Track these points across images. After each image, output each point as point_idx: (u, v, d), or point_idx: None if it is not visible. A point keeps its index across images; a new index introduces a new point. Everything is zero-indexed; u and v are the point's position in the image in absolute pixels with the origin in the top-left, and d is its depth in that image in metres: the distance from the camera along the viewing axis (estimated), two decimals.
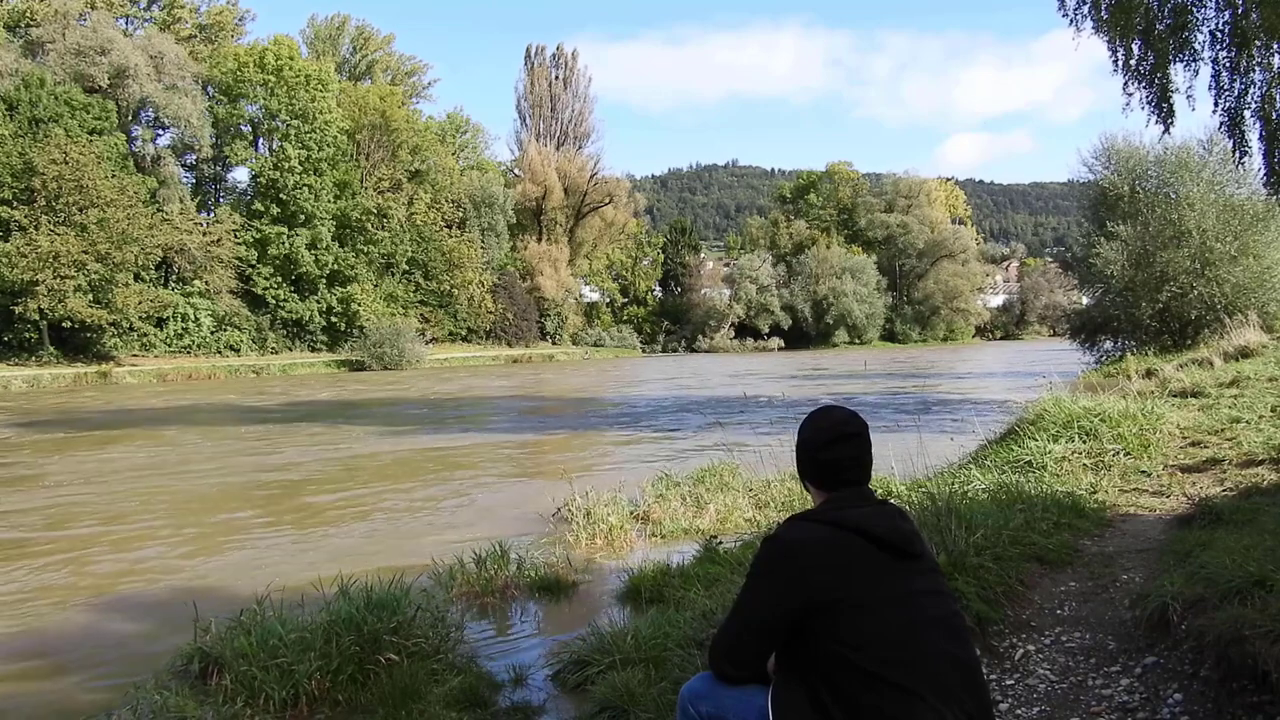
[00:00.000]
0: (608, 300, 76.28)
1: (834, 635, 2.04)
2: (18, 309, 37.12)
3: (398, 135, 56.65)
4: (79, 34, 44.79)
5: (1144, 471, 7.02)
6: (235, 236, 48.14)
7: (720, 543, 6.15)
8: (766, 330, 74.07)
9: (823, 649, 2.06)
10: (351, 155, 54.69)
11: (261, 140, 52.94)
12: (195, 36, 55.45)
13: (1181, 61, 7.60)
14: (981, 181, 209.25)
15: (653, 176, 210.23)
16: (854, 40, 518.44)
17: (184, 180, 50.68)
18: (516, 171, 70.65)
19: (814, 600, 2.06)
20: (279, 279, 50.07)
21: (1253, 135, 7.79)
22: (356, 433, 18.32)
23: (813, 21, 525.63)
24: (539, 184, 66.63)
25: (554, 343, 65.04)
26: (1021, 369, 30.10)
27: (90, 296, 38.32)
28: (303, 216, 50.50)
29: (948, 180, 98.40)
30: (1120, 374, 13.67)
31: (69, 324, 38.22)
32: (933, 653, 2.05)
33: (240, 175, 53.51)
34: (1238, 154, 8.10)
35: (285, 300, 50.31)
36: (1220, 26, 7.42)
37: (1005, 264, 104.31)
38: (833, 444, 2.26)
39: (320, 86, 51.72)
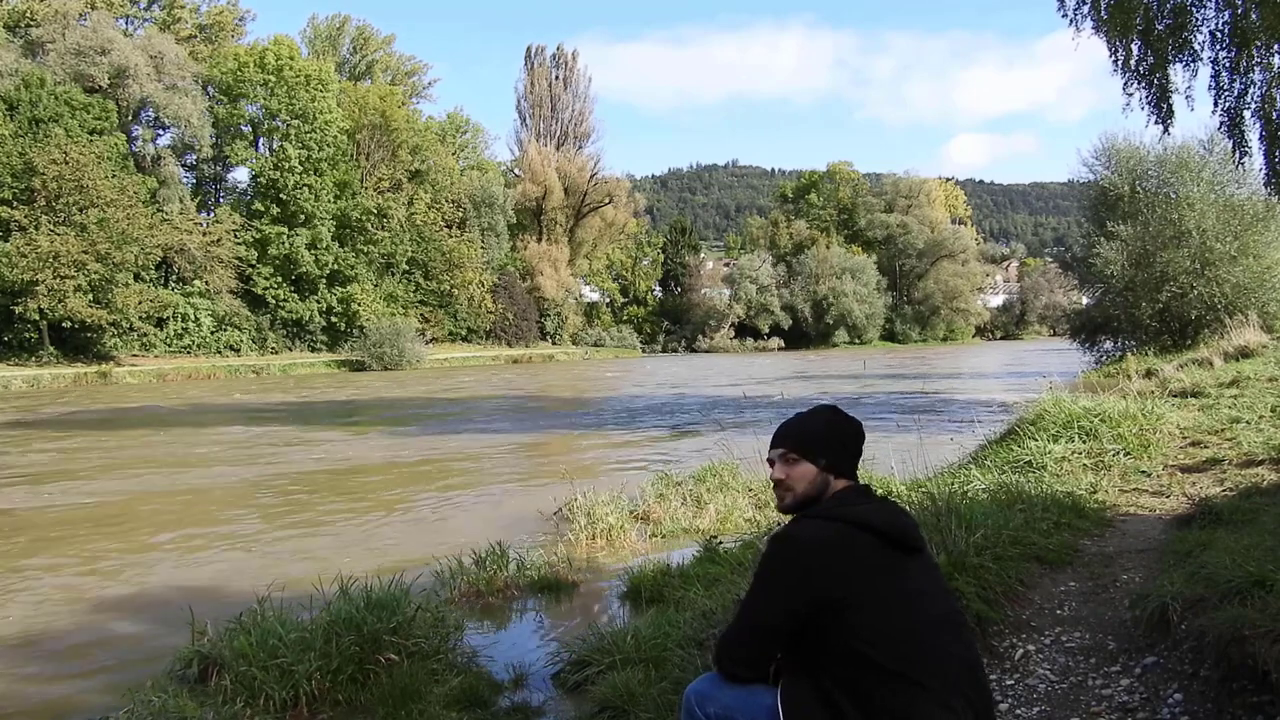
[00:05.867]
0: (608, 300, 76.29)
1: (843, 632, 2.05)
2: (18, 309, 37.12)
3: (398, 135, 56.64)
4: (79, 34, 44.80)
5: (1144, 471, 7.01)
6: (235, 236, 48.12)
7: (720, 543, 6.15)
8: (766, 330, 74.09)
9: (832, 646, 2.06)
10: (351, 155, 54.69)
11: (261, 140, 52.93)
12: (195, 36, 55.45)
13: (1181, 62, 7.59)
14: (982, 181, 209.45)
15: (653, 176, 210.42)
16: (858, 41, 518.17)
17: (184, 180, 50.68)
18: (516, 171, 70.65)
19: (823, 598, 2.07)
20: (279, 279, 50.06)
21: (1253, 135, 7.77)
22: (356, 433, 18.32)
23: (816, 22, 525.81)
24: (539, 184, 66.63)
25: (554, 343, 65.04)
26: (1021, 369, 30.09)
27: (90, 296, 38.30)
28: (303, 216, 50.49)
29: (948, 180, 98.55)
30: (1120, 374, 13.66)
31: (69, 324, 38.21)
32: (940, 649, 2.07)
33: (240, 175, 53.63)
34: (1238, 154, 8.08)
35: (285, 300, 50.30)
36: (1220, 26, 7.41)
37: (1005, 264, 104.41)
38: (860, 434, 2.37)
39: (320, 86, 51.71)
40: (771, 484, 2.39)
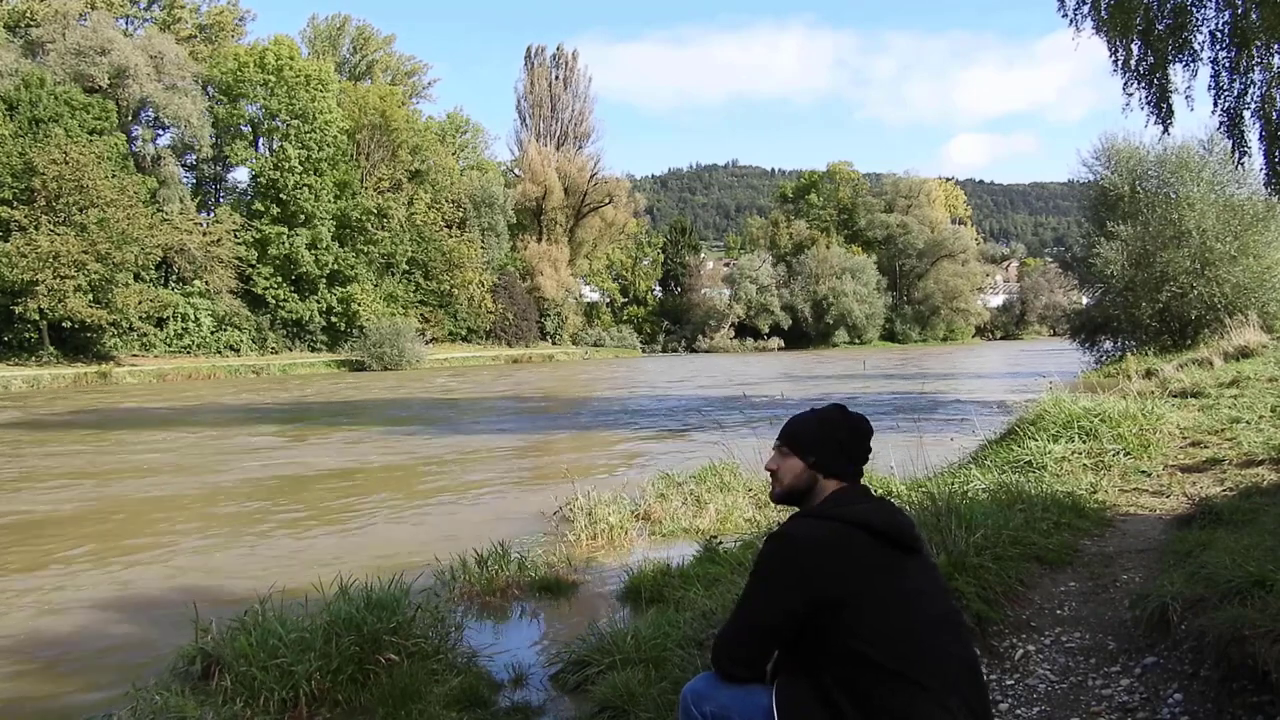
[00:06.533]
0: (608, 300, 76.26)
1: (840, 631, 2.05)
2: (18, 309, 37.10)
3: (398, 135, 56.62)
4: (79, 34, 44.78)
5: (1144, 471, 7.01)
6: (235, 236, 48.10)
7: (720, 543, 6.14)
8: (766, 330, 74.06)
9: (831, 645, 2.07)
10: (351, 155, 54.67)
11: (261, 140, 52.91)
12: (195, 36, 55.44)
13: (1181, 62, 7.59)
14: (982, 181, 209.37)
15: (653, 176, 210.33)
16: (858, 41, 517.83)
17: (184, 180, 50.65)
18: (516, 171, 70.63)
19: (820, 597, 2.07)
20: (279, 279, 50.04)
21: (1252, 135, 7.78)
22: (356, 433, 18.32)
23: (817, 22, 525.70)
24: (539, 184, 66.61)
25: (554, 343, 65.02)
26: (1021, 369, 30.09)
27: (90, 296, 38.28)
28: (303, 216, 50.48)
29: (948, 180, 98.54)
30: (1120, 374, 13.67)
31: (69, 324, 38.19)
32: (938, 648, 2.07)
33: (240, 175, 53.58)
34: (1237, 154, 8.08)
35: (285, 300, 50.29)
36: (1220, 26, 7.42)
37: (1005, 264, 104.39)
38: (861, 436, 2.35)
39: (320, 86, 51.69)
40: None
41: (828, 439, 2.32)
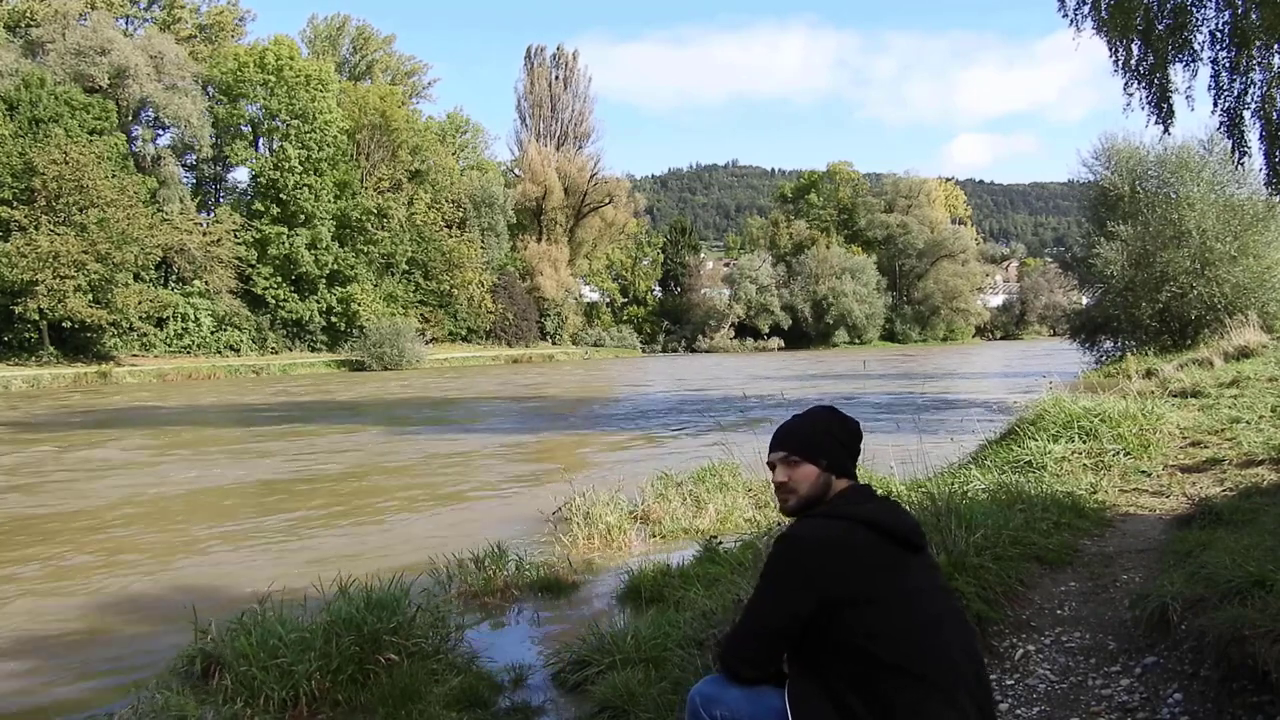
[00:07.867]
0: (608, 300, 76.28)
1: (850, 630, 2.06)
2: (18, 309, 37.13)
3: (398, 135, 56.64)
4: (79, 34, 44.82)
5: (1144, 471, 7.01)
6: (235, 236, 48.14)
7: (720, 543, 6.14)
8: (766, 330, 74.09)
9: (840, 644, 2.07)
10: (351, 155, 54.68)
11: (261, 140, 52.93)
12: (195, 36, 55.47)
13: (1181, 62, 7.59)
14: (982, 181, 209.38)
15: (653, 176, 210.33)
16: (860, 41, 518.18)
17: (184, 180, 50.69)
18: (516, 171, 70.66)
19: (829, 597, 2.07)
20: (279, 279, 50.06)
21: (1252, 135, 7.77)
22: (356, 433, 18.32)
23: (818, 22, 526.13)
24: (539, 184, 66.64)
25: (554, 343, 65.04)
26: (1021, 369, 30.10)
27: (90, 296, 38.31)
28: (303, 216, 50.50)
29: (948, 180, 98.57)
30: (1120, 374, 13.66)
31: (69, 324, 38.22)
32: (944, 646, 2.08)
33: (240, 175, 53.67)
34: (1237, 154, 8.07)
35: (285, 300, 50.31)
36: (1220, 26, 7.41)
37: (1005, 264, 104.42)
38: (856, 433, 2.38)
39: (320, 86, 51.71)
40: (773, 487, 2.39)
41: (831, 439, 2.32)
